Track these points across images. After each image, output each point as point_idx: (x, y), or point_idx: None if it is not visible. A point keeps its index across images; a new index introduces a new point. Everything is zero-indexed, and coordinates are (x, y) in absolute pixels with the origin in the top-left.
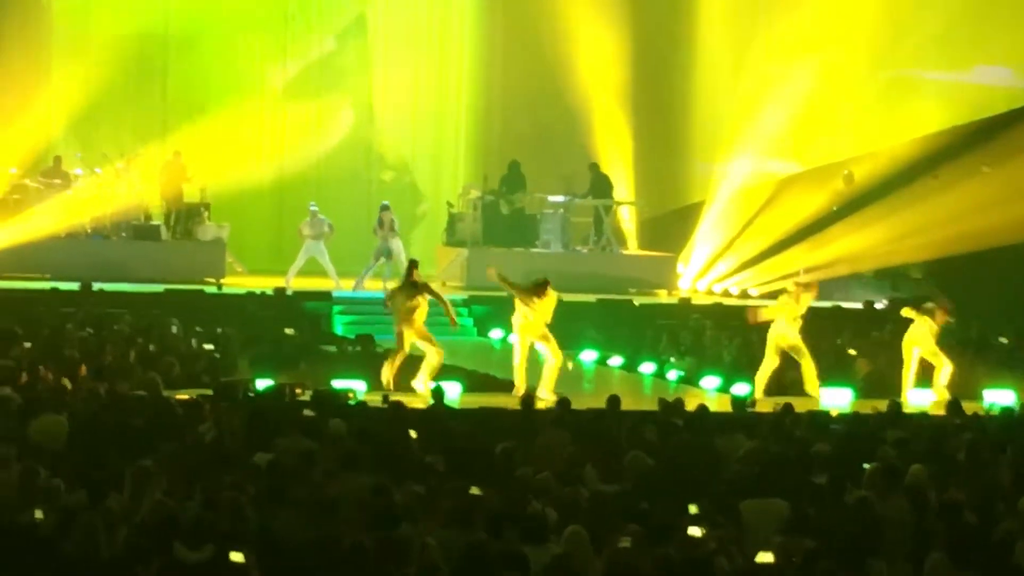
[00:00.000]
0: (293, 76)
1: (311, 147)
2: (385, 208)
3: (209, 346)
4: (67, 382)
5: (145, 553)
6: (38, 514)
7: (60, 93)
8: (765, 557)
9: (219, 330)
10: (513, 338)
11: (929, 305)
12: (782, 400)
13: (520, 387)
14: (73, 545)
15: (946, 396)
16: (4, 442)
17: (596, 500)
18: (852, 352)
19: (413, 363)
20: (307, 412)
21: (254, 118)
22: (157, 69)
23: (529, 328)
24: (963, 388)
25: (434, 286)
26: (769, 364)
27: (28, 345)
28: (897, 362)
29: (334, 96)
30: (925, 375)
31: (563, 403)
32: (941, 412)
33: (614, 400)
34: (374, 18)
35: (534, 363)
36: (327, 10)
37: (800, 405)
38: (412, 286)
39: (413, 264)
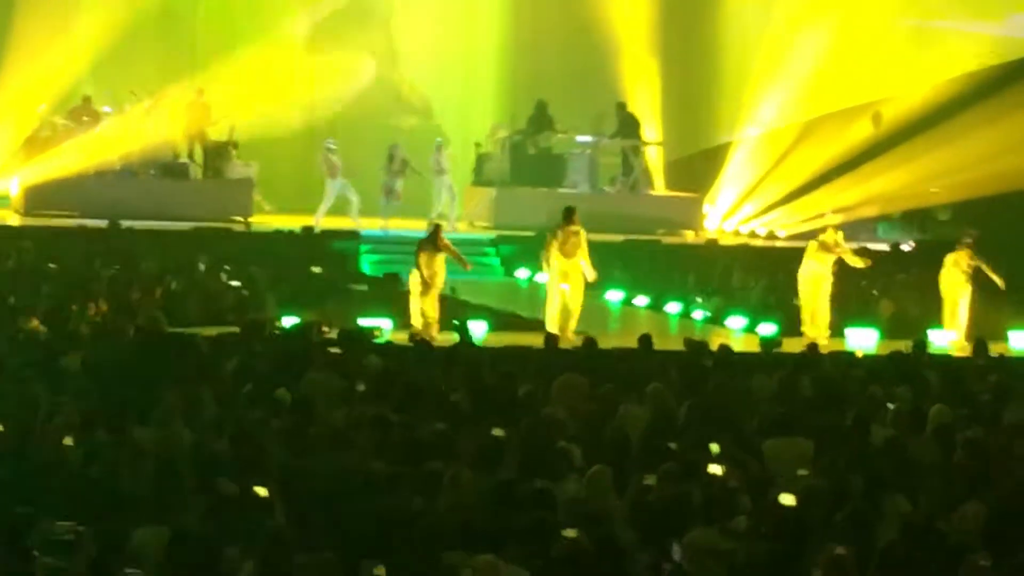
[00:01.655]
0: (318, 23)
1: (338, 90)
2: (396, 147)
3: (236, 283)
4: (95, 318)
5: (175, 487)
6: (67, 441)
7: (88, 31)
8: (787, 499)
9: (250, 268)
10: (545, 278)
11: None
12: (807, 340)
13: (555, 328)
14: (98, 477)
15: (963, 338)
16: (33, 379)
17: (622, 439)
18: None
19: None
20: (333, 350)
21: (281, 60)
22: (186, 6)
23: (563, 266)
24: (989, 329)
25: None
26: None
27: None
28: (923, 303)
29: (357, 45)
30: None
31: (589, 343)
32: (966, 354)
33: (646, 339)
34: None
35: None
36: None
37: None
38: (433, 246)
39: (438, 228)
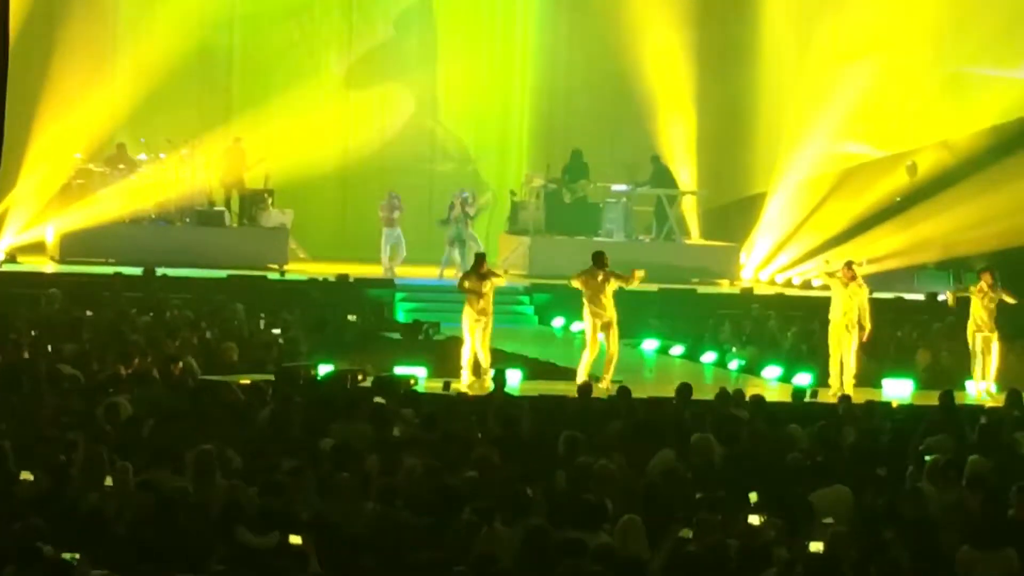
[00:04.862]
0: (356, 62)
1: (374, 134)
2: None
3: (275, 331)
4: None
5: (208, 537)
6: (107, 482)
7: (124, 78)
8: (816, 546)
9: (285, 316)
10: (582, 326)
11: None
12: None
13: (584, 376)
14: (130, 526)
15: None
16: (72, 426)
17: (656, 489)
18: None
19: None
20: (377, 400)
21: (317, 104)
22: (221, 54)
23: (597, 313)
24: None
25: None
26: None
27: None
28: (959, 353)
29: (396, 83)
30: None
31: (623, 392)
32: (998, 404)
33: (685, 389)
34: (439, 5)
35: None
36: None
37: (860, 396)
38: (479, 275)
39: (481, 257)
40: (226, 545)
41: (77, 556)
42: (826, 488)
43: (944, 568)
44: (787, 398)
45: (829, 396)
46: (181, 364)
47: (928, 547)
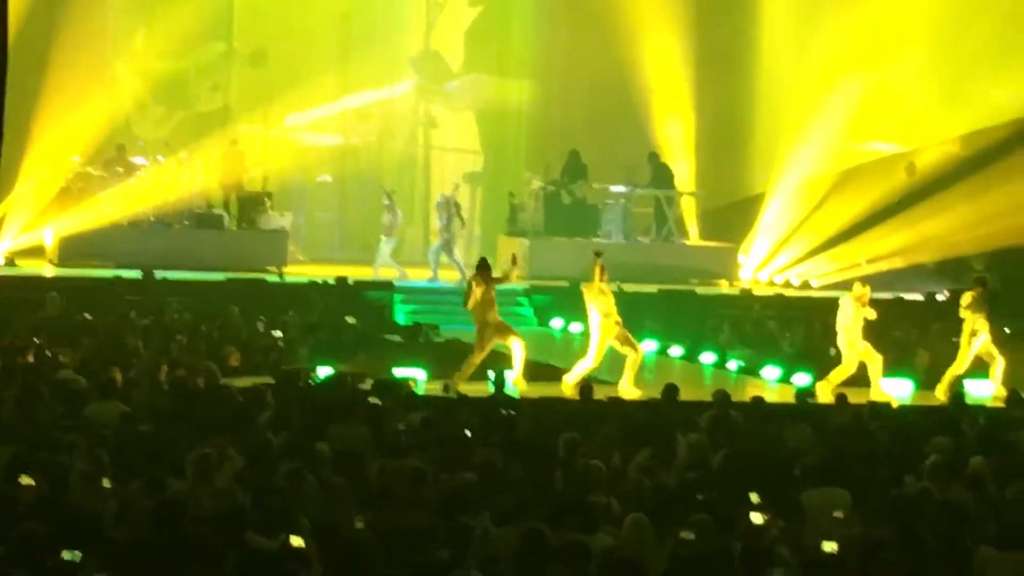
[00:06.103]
0: (353, 65)
1: (371, 135)
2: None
3: (276, 333)
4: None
5: (209, 540)
6: (106, 483)
7: (123, 81)
8: (830, 547)
9: (289, 314)
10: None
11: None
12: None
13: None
14: (132, 532)
15: (1003, 391)
16: (69, 428)
17: (659, 490)
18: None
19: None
20: (373, 400)
21: (315, 105)
22: (221, 60)
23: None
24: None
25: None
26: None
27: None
28: (958, 353)
29: (394, 85)
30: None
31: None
32: (1000, 405)
33: (671, 389)
34: (437, 6)
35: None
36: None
37: (860, 396)
38: (485, 280)
39: (484, 261)
40: (231, 548)
41: (78, 553)
42: (821, 489)
43: (942, 569)
44: (787, 399)
45: (828, 396)
46: (183, 369)
47: (927, 547)
